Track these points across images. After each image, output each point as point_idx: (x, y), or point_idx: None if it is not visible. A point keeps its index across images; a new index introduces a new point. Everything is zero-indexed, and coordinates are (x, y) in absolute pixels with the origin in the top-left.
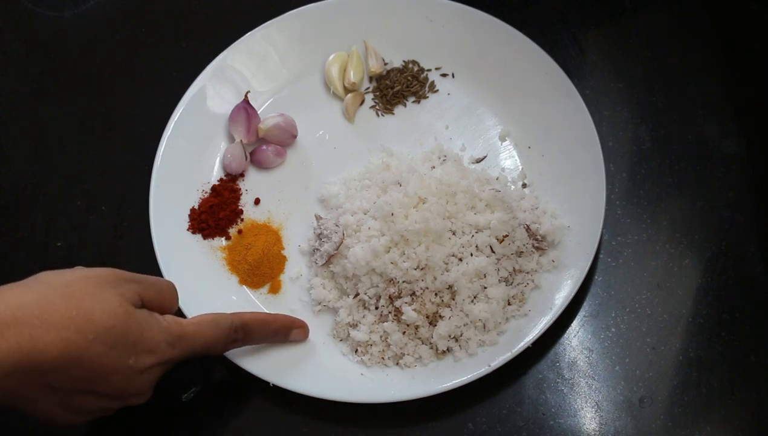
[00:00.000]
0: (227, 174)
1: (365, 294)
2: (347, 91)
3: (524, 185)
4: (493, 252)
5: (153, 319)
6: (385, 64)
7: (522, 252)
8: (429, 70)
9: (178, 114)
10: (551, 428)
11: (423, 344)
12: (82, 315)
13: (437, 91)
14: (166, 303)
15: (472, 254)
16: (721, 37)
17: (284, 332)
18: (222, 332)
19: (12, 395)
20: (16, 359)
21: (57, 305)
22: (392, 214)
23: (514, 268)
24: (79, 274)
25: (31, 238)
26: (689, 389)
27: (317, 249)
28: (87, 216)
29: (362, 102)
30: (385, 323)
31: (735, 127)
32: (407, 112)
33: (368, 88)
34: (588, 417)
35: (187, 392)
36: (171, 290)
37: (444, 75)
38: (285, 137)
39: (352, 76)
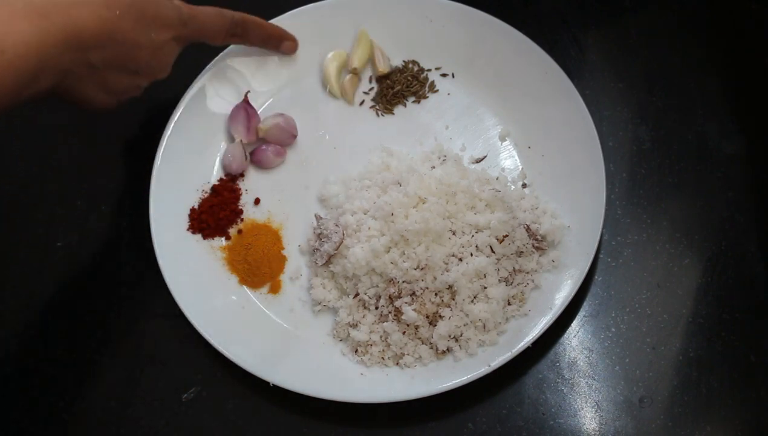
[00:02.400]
0: (227, 174)
1: (365, 294)
2: (343, 89)
3: (524, 185)
4: (493, 252)
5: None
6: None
7: (522, 252)
8: (429, 70)
9: (178, 114)
10: (551, 428)
11: (423, 344)
12: None
13: (437, 91)
14: None
15: (472, 254)
16: (721, 37)
17: (276, 39)
18: (225, 22)
19: (65, 75)
20: (64, 36)
21: None
22: (392, 214)
23: (514, 268)
24: None
25: (31, 238)
26: (689, 389)
27: (317, 249)
28: (87, 216)
29: (359, 82)
30: (385, 323)
31: (735, 127)
32: (407, 112)
33: (371, 88)
34: (588, 417)
35: (187, 392)
36: None
37: (444, 75)
38: (285, 137)
39: (356, 61)
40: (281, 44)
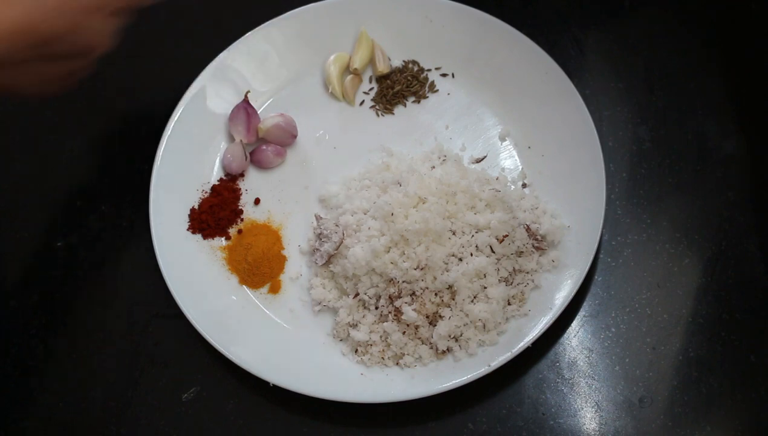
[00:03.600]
0: (227, 174)
1: (365, 294)
2: (345, 91)
3: (524, 185)
4: (493, 252)
5: None
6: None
7: (522, 252)
8: (429, 70)
9: (178, 114)
10: (551, 428)
11: (423, 344)
12: None
13: (437, 91)
14: None
15: (472, 254)
16: (721, 37)
17: None
18: None
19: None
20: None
21: None
22: (392, 214)
23: (514, 268)
24: None
25: (31, 238)
26: (689, 389)
27: (317, 249)
28: (87, 216)
29: (360, 82)
30: (385, 323)
31: (735, 127)
32: (407, 112)
33: (372, 88)
34: (588, 417)
35: (187, 392)
36: None
37: (444, 75)
38: (285, 137)
39: (357, 62)
40: None
